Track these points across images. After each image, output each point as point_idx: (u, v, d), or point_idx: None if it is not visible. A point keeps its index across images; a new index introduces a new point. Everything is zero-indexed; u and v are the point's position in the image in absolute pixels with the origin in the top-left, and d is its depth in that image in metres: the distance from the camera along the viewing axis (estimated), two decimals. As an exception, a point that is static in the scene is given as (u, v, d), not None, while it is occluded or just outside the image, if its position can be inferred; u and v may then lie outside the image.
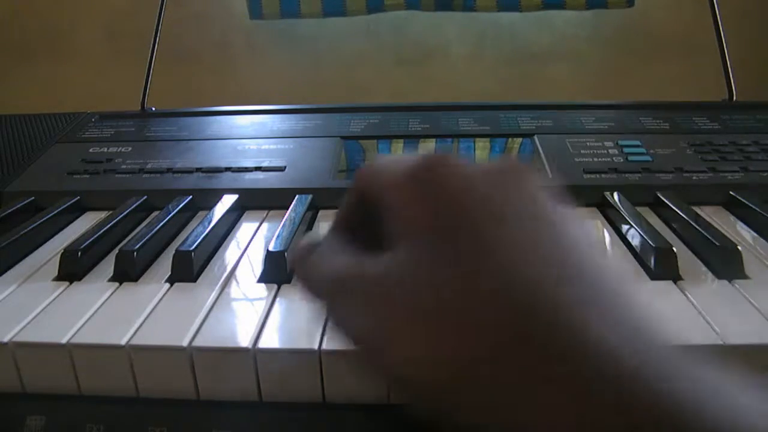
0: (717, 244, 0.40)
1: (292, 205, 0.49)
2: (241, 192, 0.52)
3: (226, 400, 0.32)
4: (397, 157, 0.25)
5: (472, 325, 0.19)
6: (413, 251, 0.22)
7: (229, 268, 0.41)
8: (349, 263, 0.24)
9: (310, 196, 0.51)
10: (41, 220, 0.48)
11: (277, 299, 0.37)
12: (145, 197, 0.52)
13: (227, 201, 0.50)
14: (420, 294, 0.21)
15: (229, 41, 1.42)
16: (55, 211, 0.50)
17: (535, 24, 1.38)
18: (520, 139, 0.60)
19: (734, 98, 0.71)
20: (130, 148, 0.60)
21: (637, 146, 0.57)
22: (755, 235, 0.45)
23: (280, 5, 0.83)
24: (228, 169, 0.56)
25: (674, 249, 0.39)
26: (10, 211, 0.51)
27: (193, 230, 0.44)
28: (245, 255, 0.44)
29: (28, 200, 0.53)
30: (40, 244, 0.47)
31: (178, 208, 0.49)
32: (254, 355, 0.31)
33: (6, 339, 0.32)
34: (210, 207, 0.49)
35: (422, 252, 0.21)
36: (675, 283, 0.37)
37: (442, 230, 0.21)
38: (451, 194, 0.22)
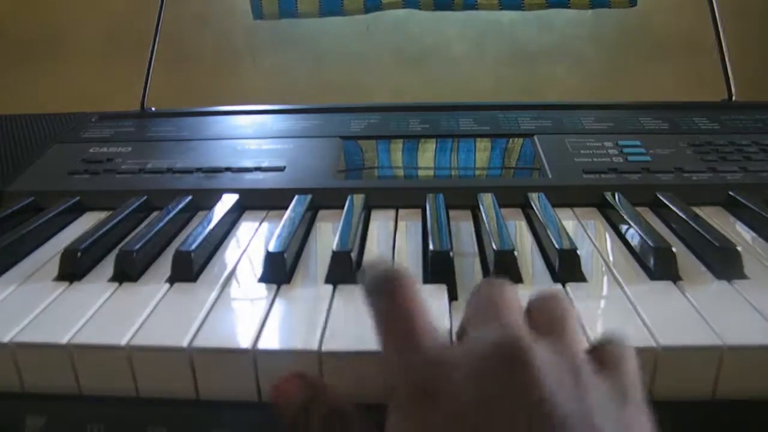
0: (716, 244, 0.40)
1: (291, 205, 0.49)
2: (241, 192, 0.52)
3: (226, 400, 0.32)
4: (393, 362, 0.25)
5: None
6: None
7: (229, 268, 0.41)
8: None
9: (309, 196, 0.51)
10: (41, 220, 0.48)
11: (277, 299, 0.37)
12: (145, 197, 0.52)
13: (227, 201, 0.50)
14: None
15: (230, 41, 1.42)
16: (55, 212, 0.50)
17: (535, 24, 1.38)
18: (520, 139, 0.60)
19: (734, 98, 0.71)
20: (130, 148, 0.61)
21: (637, 146, 0.57)
22: (754, 235, 0.45)
23: (279, 5, 0.83)
24: (228, 169, 0.56)
25: (674, 249, 0.39)
26: (10, 211, 0.51)
27: (193, 230, 0.44)
28: (245, 255, 0.44)
29: (28, 200, 0.53)
30: (40, 244, 0.47)
31: (178, 208, 0.50)
32: (254, 355, 0.31)
33: (6, 339, 0.32)
34: (210, 207, 0.49)
35: None
36: (674, 283, 0.37)
37: None
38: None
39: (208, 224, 0.45)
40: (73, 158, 0.59)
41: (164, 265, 0.41)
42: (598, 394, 0.21)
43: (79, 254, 0.41)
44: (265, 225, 0.49)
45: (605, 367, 0.24)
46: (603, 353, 0.24)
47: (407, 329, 0.25)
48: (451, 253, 0.39)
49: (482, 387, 0.20)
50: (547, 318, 0.25)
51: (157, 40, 0.77)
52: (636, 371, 0.24)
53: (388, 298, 0.26)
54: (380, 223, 0.49)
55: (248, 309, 0.36)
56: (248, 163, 0.56)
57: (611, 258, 0.42)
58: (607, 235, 0.46)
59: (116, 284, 0.39)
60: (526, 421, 0.19)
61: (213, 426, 0.32)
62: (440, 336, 0.26)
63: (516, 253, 0.39)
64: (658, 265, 0.38)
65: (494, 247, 0.40)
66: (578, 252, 0.39)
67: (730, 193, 0.50)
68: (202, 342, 0.32)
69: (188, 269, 0.40)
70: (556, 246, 0.39)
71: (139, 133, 0.64)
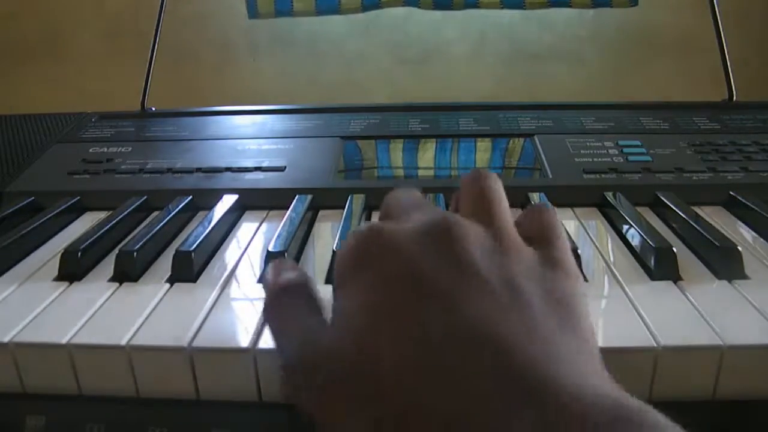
0: (717, 244, 0.40)
1: (292, 205, 0.49)
2: (241, 192, 0.52)
3: (226, 400, 0.32)
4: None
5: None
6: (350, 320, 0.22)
7: (229, 268, 0.41)
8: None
9: (309, 196, 0.51)
10: (41, 220, 0.48)
11: (277, 299, 0.36)
12: (145, 197, 0.52)
13: (227, 201, 0.50)
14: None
15: (229, 41, 1.42)
16: (55, 211, 0.50)
17: (535, 24, 1.38)
18: (520, 140, 0.60)
19: (734, 98, 0.71)
20: (130, 148, 0.60)
21: (637, 146, 0.57)
22: (755, 235, 0.45)
23: (274, 4, 0.83)
24: (228, 169, 0.56)
25: (674, 249, 0.39)
26: (10, 211, 0.51)
27: (193, 230, 0.44)
28: (245, 255, 0.44)
29: (28, 200, 0.53)
30: (40, 244, 0.47)
31: (178, 208, 0.49)
32: (254, 355, 0.31)
33: (6, 339, 0.32)
34: (210, 207, 0.49)
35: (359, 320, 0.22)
36: (675, 283, 0.37)
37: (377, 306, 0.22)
38: (386, 271, 0.23)
39: (208, 224, 0.45)
40: (73, 158, 0.59)
41: (164, 265, 0.41)
42: (523, 260, 0.24)
43: (79, 254, 0.41)
44: (266, 225, 0.49)
45: (534, 241, 0.26)
46: (530, 228, 0.26)
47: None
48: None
49: (422, 250, 0.23)
50: (473, 204, 0.27)
51: (157, 40, 0.76)
52: (564, 241, 0.26)
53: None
54: (380, 223, 0.49)
55: (248, 309, 0.36)
56: (248, 163, 0.56)
57: (612, 258, 0.42)
58: (608, 235, 0.46)
59: (116, 284, 0.39)
60: (459, 288, 0.21)
61: (213, 426, 0.32)
62: None
63: (516, 253, 0.39)
64: (659, 265, 0.38)
65: (494, 247, 0.40)
66: (579, 252, 0.39)
67: (731, 193, 0.50)
68: (202, 342, 0.32)
69: (188, 269, 0.40)
70: (557, 246, 0.39)
71: (139, 133, 0.64)
